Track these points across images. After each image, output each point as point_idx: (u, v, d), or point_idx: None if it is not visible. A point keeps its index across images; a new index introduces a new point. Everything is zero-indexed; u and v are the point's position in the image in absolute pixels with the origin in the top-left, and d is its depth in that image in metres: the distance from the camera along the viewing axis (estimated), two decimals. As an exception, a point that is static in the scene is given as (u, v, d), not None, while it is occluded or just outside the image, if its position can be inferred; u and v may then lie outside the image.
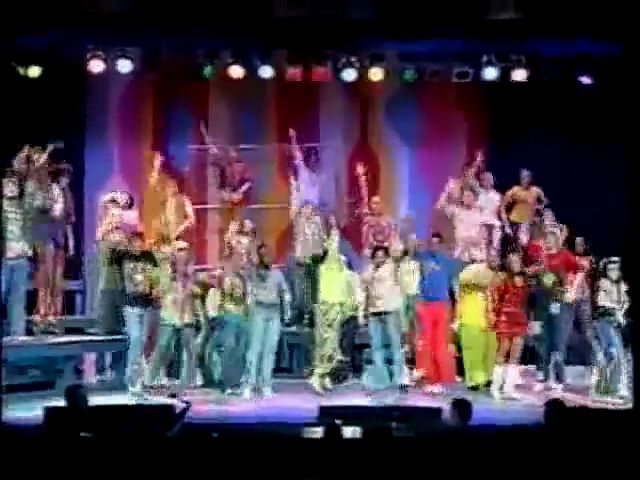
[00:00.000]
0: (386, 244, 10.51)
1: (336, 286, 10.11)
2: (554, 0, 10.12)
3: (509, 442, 5.86)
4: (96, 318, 10.78)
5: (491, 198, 11.47)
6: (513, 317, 9.83)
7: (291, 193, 11.52)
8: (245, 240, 10.82)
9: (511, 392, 9.77)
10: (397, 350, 9.85)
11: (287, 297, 10.08)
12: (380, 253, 10.02)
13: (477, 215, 11.20)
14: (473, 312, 10.10)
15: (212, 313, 10.16)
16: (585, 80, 11.49)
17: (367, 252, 10.65)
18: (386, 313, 9.85)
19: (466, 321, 10.15)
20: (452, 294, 10.26)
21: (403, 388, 9.78)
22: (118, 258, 10.00)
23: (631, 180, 8.52)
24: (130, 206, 11.07)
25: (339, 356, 10.07)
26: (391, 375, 9.87)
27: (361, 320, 9.98)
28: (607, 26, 10.43)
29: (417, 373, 10.08)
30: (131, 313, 9.81)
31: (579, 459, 5.69)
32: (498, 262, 10.32)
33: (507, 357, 9.84)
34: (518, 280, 9.88)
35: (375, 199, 11.23)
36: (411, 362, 10.16)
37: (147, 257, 9.95)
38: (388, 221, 11.14)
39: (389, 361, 9.93)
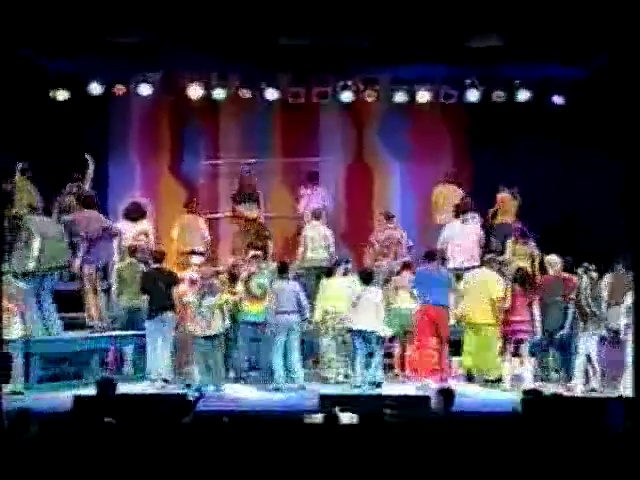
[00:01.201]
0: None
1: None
2: (529, 30, 10.18)
3: (489, 426, 5.86)
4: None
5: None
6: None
7: (298, 202, 11.46)
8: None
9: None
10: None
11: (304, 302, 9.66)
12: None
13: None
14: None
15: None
16: (557, 100, 11.54)
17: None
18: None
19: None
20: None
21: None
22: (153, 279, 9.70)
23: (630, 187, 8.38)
24: (141, 217, 10.79)
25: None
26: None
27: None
28: (575, 53, 10.52)
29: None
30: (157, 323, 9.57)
31: (552, 441, 5.68)
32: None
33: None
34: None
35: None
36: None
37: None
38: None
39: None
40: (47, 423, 5.94)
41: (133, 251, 10.20)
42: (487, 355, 9.70)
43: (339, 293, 9.69)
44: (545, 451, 5.52)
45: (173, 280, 9.68)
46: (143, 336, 9.87)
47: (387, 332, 9.49)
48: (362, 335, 9.38)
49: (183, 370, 9.73)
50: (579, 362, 9.41)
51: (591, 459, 5.45)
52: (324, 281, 9.94)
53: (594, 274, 9.53)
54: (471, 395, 9.10)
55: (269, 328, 9.56)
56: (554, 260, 9.78)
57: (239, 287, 9.68)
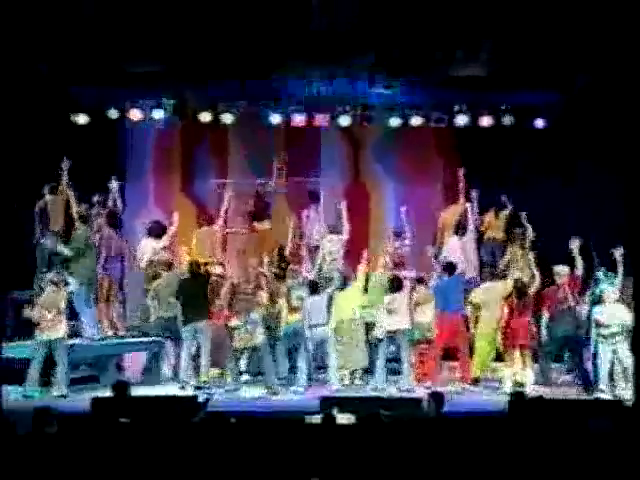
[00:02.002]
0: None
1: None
2: (513, 60, 10.25)
3: (477, 425, 5.88)
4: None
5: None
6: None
7: (301, 220, 11.40)
8: None
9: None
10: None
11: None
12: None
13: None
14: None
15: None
16: (539, 123, 11.59)
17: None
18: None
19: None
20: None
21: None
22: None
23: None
24: (163, 234, 10.74)
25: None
26: None
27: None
28: (551, 82, 10.63)
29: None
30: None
31: (536, 439, 5.70)
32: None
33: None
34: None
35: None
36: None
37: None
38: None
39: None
40: (68, 422, 5.96)
41: (169, 266, 10.19)
42: (487, 358, 9.86)
43: (351, 301, 9.83)
44: (529, 449, 5.53)
45: (208, 288, 9.72)
46: (157, 342, 9.94)
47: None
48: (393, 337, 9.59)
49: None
50: (604, 367, 9.22)
51: (573, 458, 5.45)
52: (337, 292, 9.99)
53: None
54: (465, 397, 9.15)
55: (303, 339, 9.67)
56: (561, 270, 9.64)
57: (281, 301, 9.75)
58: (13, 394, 8.97)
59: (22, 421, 5.94)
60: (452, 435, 5.64)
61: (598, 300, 9.48)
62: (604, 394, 9.13)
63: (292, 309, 9.75)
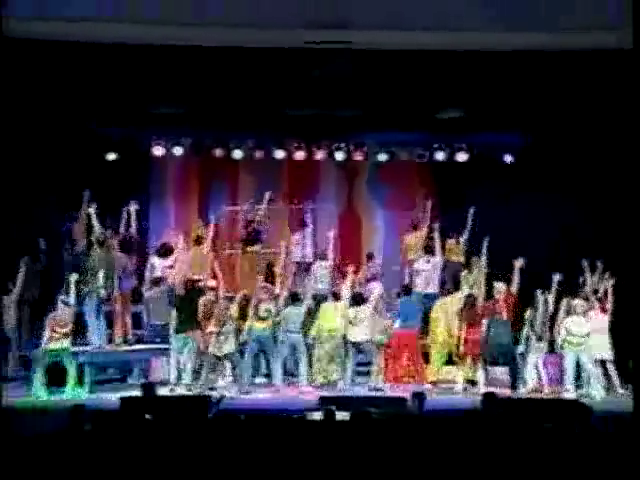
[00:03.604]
0: None
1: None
2: (484, 105, 10.40)
3: (454, 422, 5.91)
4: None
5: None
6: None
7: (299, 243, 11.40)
8: None
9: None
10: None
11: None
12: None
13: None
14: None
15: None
16: (507, 158, 11.69)
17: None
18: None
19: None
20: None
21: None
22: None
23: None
24: (170, 254, 10.59)
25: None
26: None
27: None
28: (520, 123, 10.76)
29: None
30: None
31: (505, 434, 5.73)
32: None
33: None
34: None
35: None
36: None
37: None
38: None
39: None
40: (99, 417, 5.98)
41: (194, 282, 9.99)
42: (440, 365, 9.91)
43: (334, 314, 9.75)
44: (498, 442, 5.56)
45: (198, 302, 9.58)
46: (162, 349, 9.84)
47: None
48: (356, 345, 9.48)
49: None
50: (569, 370, 9.24)
51: (535, 450, 5.46)
52: (323, 305, 9.97)
53: (549, 298, 9.48)
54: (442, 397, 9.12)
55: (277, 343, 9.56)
56: (500, 287, 9.66)
57: (250, 312, 9.62)
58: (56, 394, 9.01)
59: (56, 418, 5.94)
60: (433, 429, 5.68)
61: (568, 312, 9.48)
62: (569, 393, 9.17)
63: (260, 318, 9.54)
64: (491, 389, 8.83)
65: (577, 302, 9.45)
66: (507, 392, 9.12)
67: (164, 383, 9.42)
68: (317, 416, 6.42)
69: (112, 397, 8.22)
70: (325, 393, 8.62)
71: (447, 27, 7.99)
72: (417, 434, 5.58)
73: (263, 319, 9.54)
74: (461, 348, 9.55)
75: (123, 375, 10.10)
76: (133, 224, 10.65)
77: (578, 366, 9.32)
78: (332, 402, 7.02)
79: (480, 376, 9.46)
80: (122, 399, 7.17)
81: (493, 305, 9.54)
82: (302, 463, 5.15)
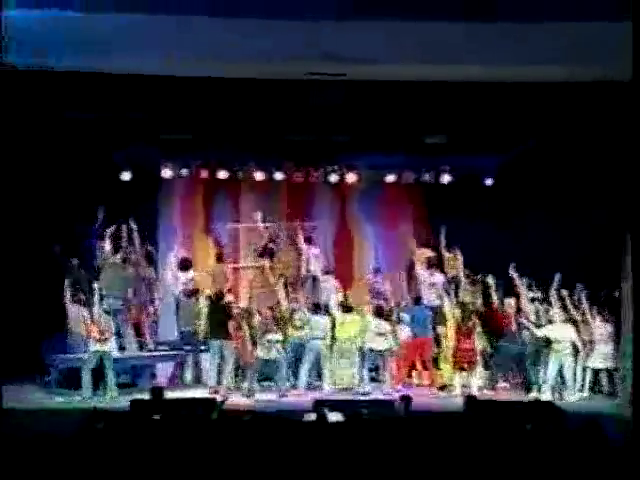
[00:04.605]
0: None
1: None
2: (467, 131, 10.49)
3: (438, 422, 5.92)
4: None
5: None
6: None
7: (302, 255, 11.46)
8: None
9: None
10: None
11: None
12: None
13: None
14: None
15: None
16: (488, 181, 11.76)
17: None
18: None
19: None
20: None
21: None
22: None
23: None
24: (190, 268, 10.82)
25: None
26: None
27: None
28: (497, 147, 10.84)
29: None
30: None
31: (486, 434, 5.74)
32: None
33: None
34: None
35: None
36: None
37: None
38: None
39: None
40: (112, 418, 5.99)
41: (221, 295, 10.16)
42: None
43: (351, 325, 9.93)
44: (480, 441, 5.57)
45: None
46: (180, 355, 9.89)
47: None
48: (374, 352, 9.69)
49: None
50: (549, 374, 9.39)
51: (515, 449, 5.46)
52: (338, 315, 10.12)
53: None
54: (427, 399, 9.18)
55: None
56: (509, 302, 9.91)
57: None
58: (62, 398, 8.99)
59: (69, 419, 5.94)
60: (419, 430, 5.69)
61: (550, 321, 9.62)
62: (545, 395, 9.24)
63: (295, 327, 9.85)
64: (490, 394, 9.08)
65: (556, 311, 9.56)
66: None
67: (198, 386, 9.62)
68: (312, 417, 6.41)
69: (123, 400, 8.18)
70: (317, 395, 8.63)
71: (432, 61, 8.11)
72: (403, 434, 5.57)
73: (298, 328, 9.72)
74: (457, 359, 9.69)
75: (133, 380, 10.10)
76: (146, 240, 10.73)
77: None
78: (325, 405, 7.02)
79: (474, 381, 9.59)
80: (132, 402, 7.16)
81: (503, 317, 9.74)
82: (299, 462, 5.15)
